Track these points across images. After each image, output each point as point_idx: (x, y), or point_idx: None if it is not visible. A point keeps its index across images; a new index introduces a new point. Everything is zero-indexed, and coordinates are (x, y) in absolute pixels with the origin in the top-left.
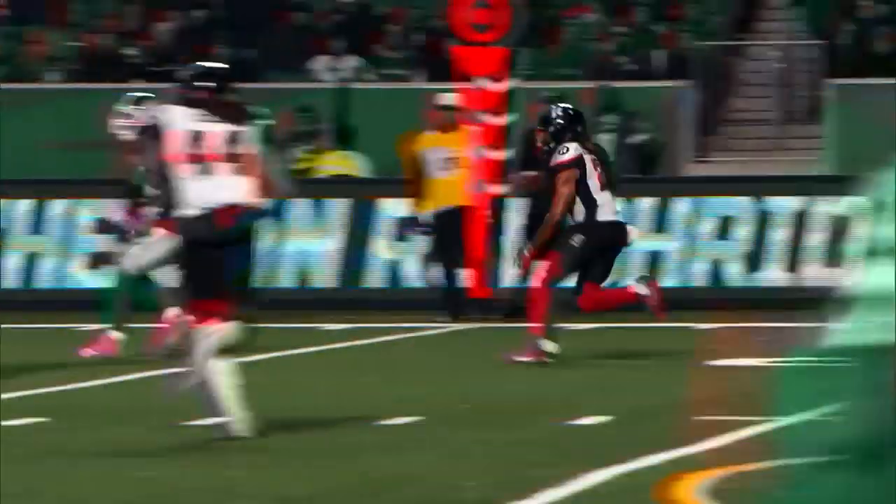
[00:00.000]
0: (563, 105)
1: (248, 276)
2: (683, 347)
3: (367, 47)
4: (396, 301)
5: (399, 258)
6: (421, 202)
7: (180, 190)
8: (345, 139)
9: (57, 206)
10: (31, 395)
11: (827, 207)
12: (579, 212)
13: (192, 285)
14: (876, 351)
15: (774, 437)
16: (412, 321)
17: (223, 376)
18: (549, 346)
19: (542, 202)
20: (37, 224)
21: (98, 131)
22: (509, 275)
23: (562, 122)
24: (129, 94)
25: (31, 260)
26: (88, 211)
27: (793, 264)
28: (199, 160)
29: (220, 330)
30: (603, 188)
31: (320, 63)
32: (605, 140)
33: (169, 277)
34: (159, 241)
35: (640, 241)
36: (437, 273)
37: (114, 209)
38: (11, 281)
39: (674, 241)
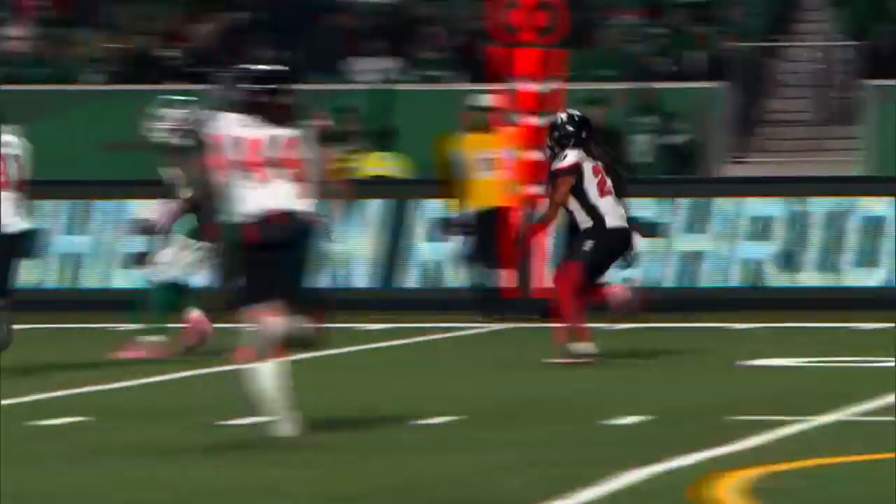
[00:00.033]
0: (570, 111)
1: (308, 278)
2: (720, 347)
3: (407, 49)
4: (435, 301)
5: (437, 258)
6: (458, 203)
7: (230, 196)
8: (384, 140)
9: (99, 207)
10: (72, 394)
11: (864, 208)
12: (584, 219)
13: (245, 288)
14: None
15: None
16: (450, 321)
17: (269, 376)
18: (583, 347)
19: None
20: (78, 225)
21: (140, 133)
22: (545, 275)
23: (568, 128)
24: (166, 97)
25: (73, 260)
26: (130, 212)
27: (830, 265)
28: (250, 166)
29: (277, 327)
30: (603, 195)
31: (360, 65)
32: (642, 141)
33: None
34: (188, 247)
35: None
36: (474, 273)
37: (152, 209)
38: (53, 281)
39: (711, 242)
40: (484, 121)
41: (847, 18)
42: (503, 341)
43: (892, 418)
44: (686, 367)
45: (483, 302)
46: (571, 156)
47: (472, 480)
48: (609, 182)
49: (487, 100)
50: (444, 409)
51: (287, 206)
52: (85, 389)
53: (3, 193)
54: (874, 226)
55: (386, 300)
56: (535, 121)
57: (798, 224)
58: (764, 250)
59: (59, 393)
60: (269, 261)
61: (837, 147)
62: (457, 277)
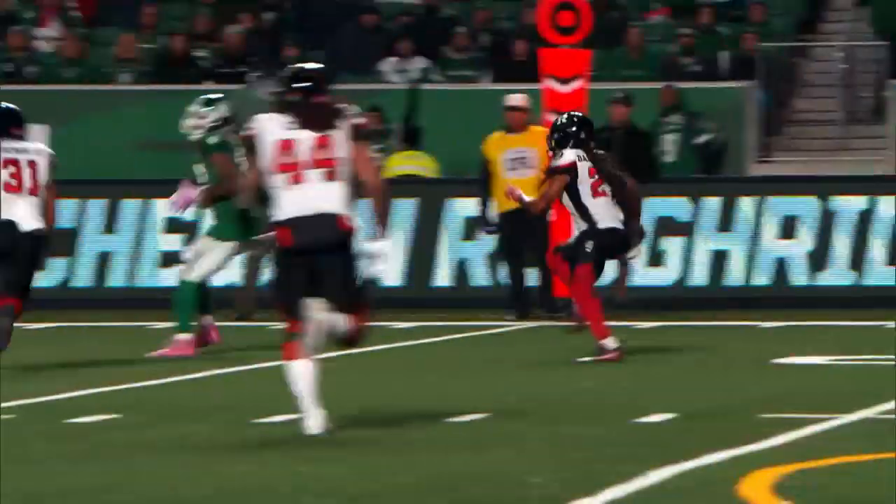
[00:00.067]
0: (570, 112)
1: (354, 278)
2: (748, 346)
3: (435, 49)
4: (465, 300)
5: (467, 257)
6: (493, 202)
7: (275, 199)
8: (412, 140)
9: (129, 206)
10: (104, 392)
11: (890, 207)
12: (578, 221)
13: (281, 290)
14: None
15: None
16: (480, 319)
17: (303, 374)
18: (612, 342)
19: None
20: (109, 224)
21: (173, 132)
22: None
23: (567, 129)
24: (203, 95)
25: (103, 259)
26: (160, 211)
27: (856, 264)
28: (291, 168)
29: (317, 326)
30: (596, 196)
31: (389, 65)
32: (669, 140)
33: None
34: (215, 248)
35: (708, 244)
36: (504, 272)
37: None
38: (84, 280)
39: (738, 241)
40: (519, 120)
41: (874, 18)
42: (534, 339)
43: None
44: (714, 365)
45: (515, 300)
46: (568, 155)
47: (502, 478)
48: (605, 184)
49: (519, 99)
50: (475, 407)
51: (323, 210)
52: (114, 387)
53: (18, 198)
54: None
55: (416, 299)
56: None
57: (824, 223)
58: (790, 249)
59: (88, 391)
60: (305, 264)
61: (864, 146)
62: (487, 276)
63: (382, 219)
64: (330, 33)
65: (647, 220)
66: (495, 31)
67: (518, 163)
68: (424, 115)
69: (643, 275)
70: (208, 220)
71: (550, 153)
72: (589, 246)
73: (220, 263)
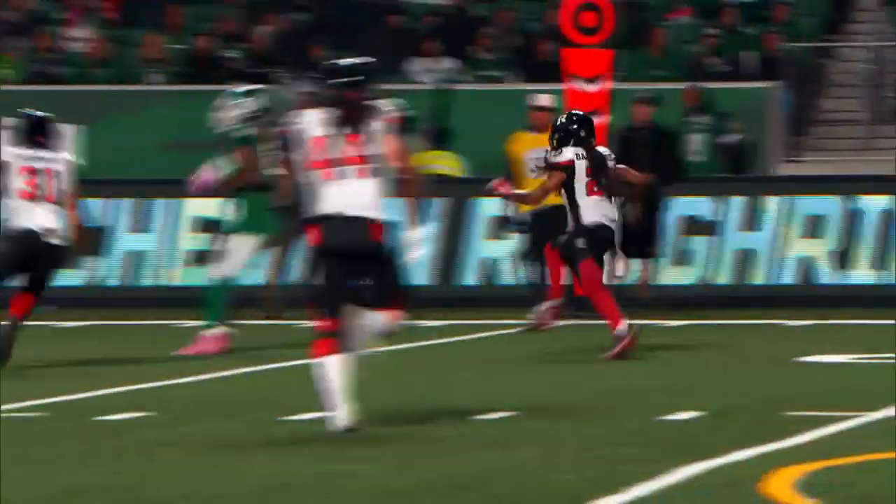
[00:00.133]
0: (571, 111)
1: (390, 274)
2: (774, 344)
3: (464, 49)
4: (493, 298)
5: (495, 256)
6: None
7: (315, 196)
8: (441, 140)
9: (158, 206)
10: (133, 390)
11: None
12: (570, 215)
13: (321, 287)
14: None
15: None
16: (508, 318)
17: (334, 369)
18: (624, 328)
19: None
20: (138, 223)
21: (201, 132)
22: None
23: (568, 127)
24: (235, 88)
25: (133, 258)
26: (189, 210)
27: (882, 263)
28: (333, 164)
29: (368, 325)
30: (590, 194)
31: (418, 65)
32: (696, 140)
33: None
34: (243, 243)
35: (733, 240)
36: (532, 271)
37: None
38: (114, 278)
39: (764, 240)
40: (547, 120)
41: None
42: (561, 337)
43: None
44: (739, 363)
45: (541, 299)
46: (567, 153)
47: (529, 475)
48: (599, 183)
49: (545, 99)
50: (502, 405)
51: (357, 211)
52: (143, 385)
53: (35, 205)
54: None
55: (443, 297)
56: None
57: (850, 222)
58: (817, 248)
59: (117, 389)
60: (339, 263)
61: (890, 146)
62: (515, 275)
63: (414, 210)
64: (358, 34)
65: (673, 220)
66: (522, 31)
67: (542, 162)
68: (453, 115)
69: (669, 273)
70: (232, 216)
71: (551, 150)
72: (580, 242)
73: (248, 258)
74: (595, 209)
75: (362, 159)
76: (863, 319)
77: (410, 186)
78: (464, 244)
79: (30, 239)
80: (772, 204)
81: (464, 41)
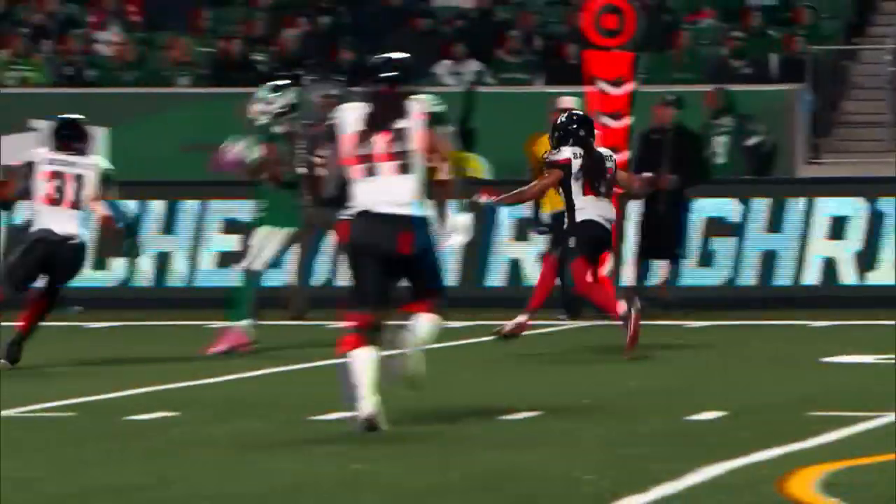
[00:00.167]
0: (572, 111)
1: (436, 274)
2: (797, 345)
3: (489, 52)
4: (517, 299)
5: (519, 257)
6: (541, 203)
7: (351, 191)
8: (467, 142)
9: (187, 207)
10: (162, 390)
11: None
12: (566, 213)
13: (357, 284)
14: None
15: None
16: (533, 318)
17: (364, 362)
18: (623, 309)
19: (655, 202)
20: (167, 224)
21: (226, 135)
22: (626, 274)
23: (568, 127)
24: (268, 83)
25: (163, 259)
26: (217, 211)
27: None
28: (365, 160)
29: (427, 324)
30: (586, 193)
31: (443, 68)
32: (720, 142)
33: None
34: (272, 237)
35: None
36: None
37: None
38: (144, 279)
39: (787, 241)
40: None
41: None
42: (585, 338)
43: None
44: (764, 363)
45: (566, 300)
46: (565, 152)
47: (554, 475)
48: (596, 182)
49: (569, 101)
50: (527, 405)
51: (389, 208)
52: (172, 385)
53: (57, 210)
54: None
55: (469, 298)
56: (613, 123)
57: (873, 223)
58: (839, 249)
59: (146, 389)
60: (371, 260)
61: None
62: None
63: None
64: (384, 37)
65: (697, 221)
66: (545, 34)
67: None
68: (477, 118)
69: (693, 274)
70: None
71: (551, 149)
72: (571, 242)
73: (278, 252)
74: (591, 208)
75: (396, 155)
76: (885, 320)
77: (445, 181)
78: (487, 245)
79: (49, 243)
80: (794, 205)
81: (488, 44)
